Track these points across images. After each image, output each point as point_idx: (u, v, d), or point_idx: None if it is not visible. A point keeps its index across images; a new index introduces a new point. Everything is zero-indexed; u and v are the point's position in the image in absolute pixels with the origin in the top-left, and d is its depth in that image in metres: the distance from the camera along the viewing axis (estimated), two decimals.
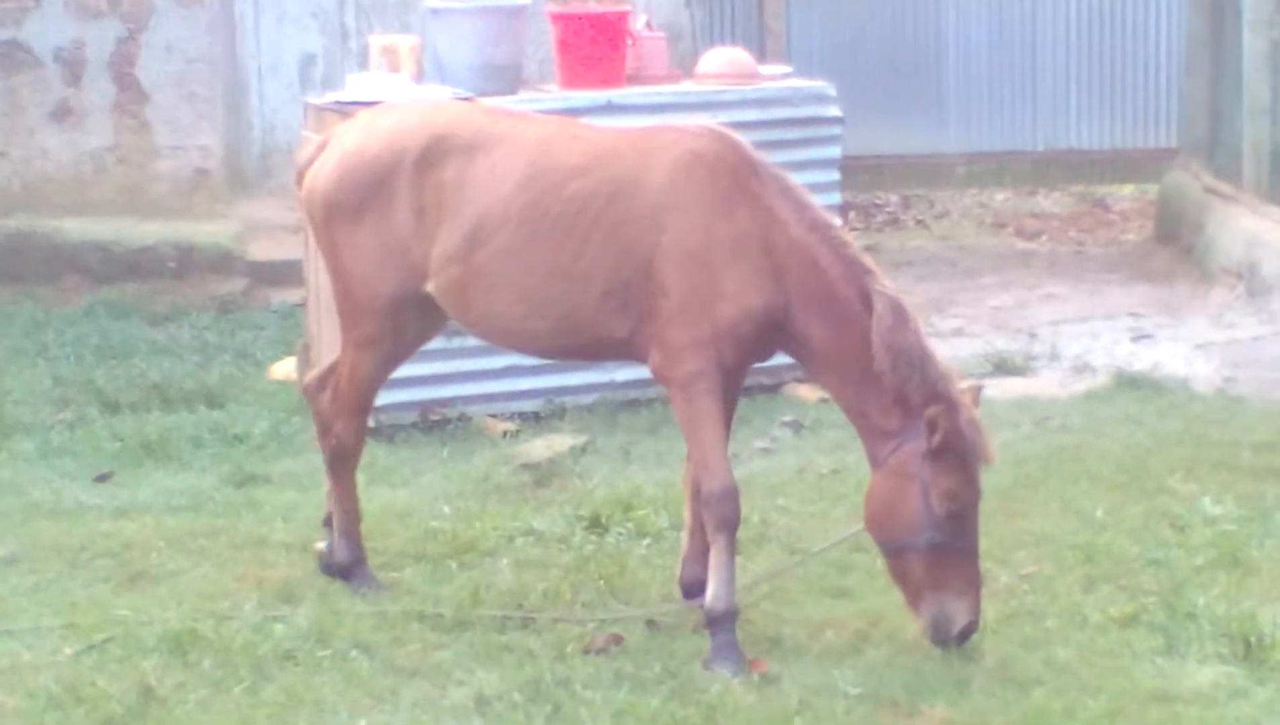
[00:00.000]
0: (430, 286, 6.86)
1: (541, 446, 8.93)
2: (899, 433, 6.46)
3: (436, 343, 7.77)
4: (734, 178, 6.58)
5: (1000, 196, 16.54)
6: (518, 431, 9.28)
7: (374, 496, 8.33)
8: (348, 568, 7.23)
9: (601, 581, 7.19)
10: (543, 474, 8.62)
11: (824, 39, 15.58)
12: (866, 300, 6.48)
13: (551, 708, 6.11)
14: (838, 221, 6.78)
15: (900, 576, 6.53)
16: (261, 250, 12.42)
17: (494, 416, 9.44)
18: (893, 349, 6.40)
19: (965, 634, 6.47)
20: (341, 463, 7.24)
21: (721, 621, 6.50)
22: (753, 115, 9.64)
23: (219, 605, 7.00)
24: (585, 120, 7.85)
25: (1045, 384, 10.12)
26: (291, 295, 11.62)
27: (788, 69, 11.14)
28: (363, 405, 7.20)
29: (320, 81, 13.33)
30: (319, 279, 9.75)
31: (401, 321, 7.02)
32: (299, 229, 10.65)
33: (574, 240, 6.64)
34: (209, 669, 6.43)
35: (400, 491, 8.42)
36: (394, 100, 8.27)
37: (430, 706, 6.18)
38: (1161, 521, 7.81)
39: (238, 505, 8.24)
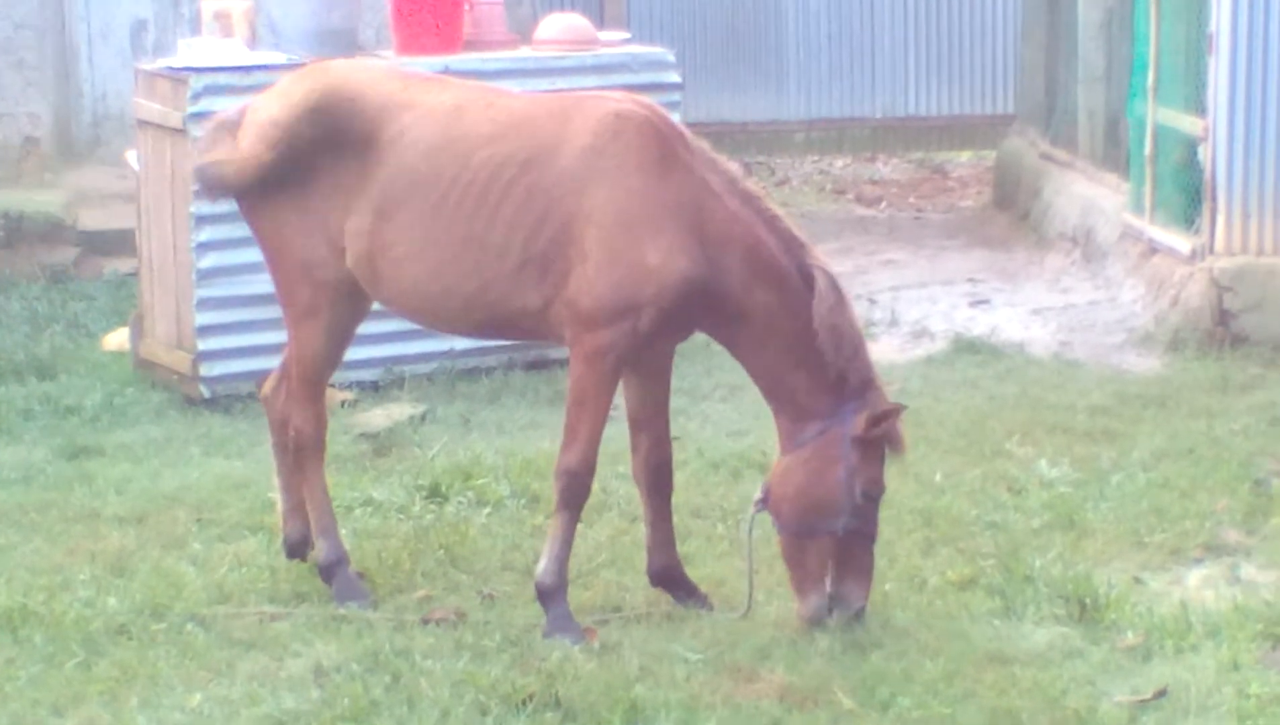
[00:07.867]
0: (348, 261, 6.61)
1: (380, 416, 8.86)
2: (826, 415, 6.36)
3: (271, 312, 7.54)
4: (664, 143, 6.38)
5: (840, 163, 16.62)
6: (356, 401, 9.19)
7: (209, 468, 8.25)
8: (329, 569, 6.78)
9: (442, 551, 7.14)
10: (382, 443, 8.56)
11: (663, 5, 15.55)
12: (805, 276, 6.39)
13: (390, 678, 6.06)
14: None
15: (799, 558, 6.39)
16: (93, 219, 12.22)
17: (332, 386, 9.28)
18: (836, 329, 6.32)
19: (858, 613, 6.38)
20: (306, 456, 6.80)
21: (552, 595, 6.42)
22: (591, 81, 9.56)
23: (50, 580, 6.88)
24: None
25: (884, 349, 10.15)
26: (124, 265, 11.43)
27: (627, 35, 11.11)
28: (316, 388, 6.82)
29: (152, 47, 13.11)
30: (151, 248, 9.60)
31: (337, 293, 6.69)
32: (130, 198, 10.50)
33: (486, 209, 6.40)
34: (40, 644, 6.32)
35: (236, 462, 8.32)
36: (315, 63, 7.86)
37: (267, 679, 6.10)
38: (999, 484, 7.88)
39: (69, 478, 8.10)
